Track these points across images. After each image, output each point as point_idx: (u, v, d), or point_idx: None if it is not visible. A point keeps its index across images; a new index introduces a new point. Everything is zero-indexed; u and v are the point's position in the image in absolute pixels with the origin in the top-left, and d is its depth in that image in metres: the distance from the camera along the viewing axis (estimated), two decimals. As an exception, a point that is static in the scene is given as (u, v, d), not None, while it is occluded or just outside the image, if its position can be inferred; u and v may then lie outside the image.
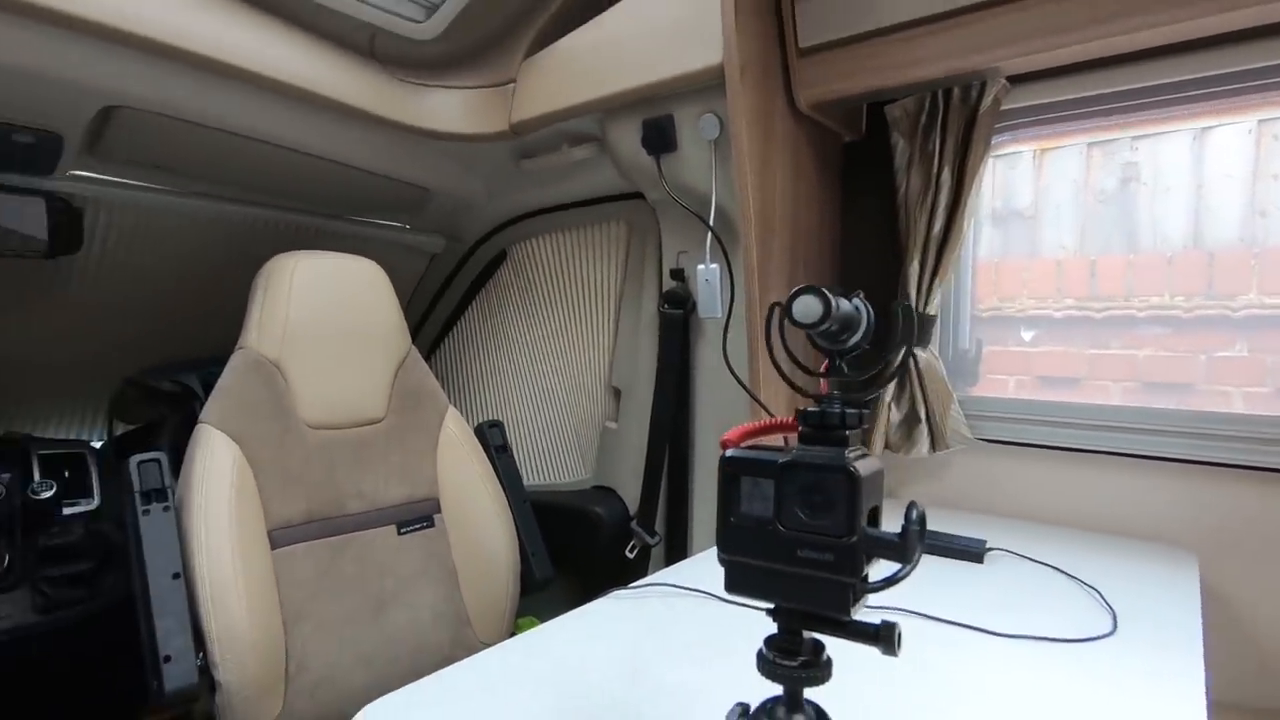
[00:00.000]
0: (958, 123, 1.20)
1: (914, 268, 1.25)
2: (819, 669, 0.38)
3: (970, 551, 1.05)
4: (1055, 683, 0.69)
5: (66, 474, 1.29)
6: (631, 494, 1.51)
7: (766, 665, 0.39)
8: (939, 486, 1.38)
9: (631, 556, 1.44)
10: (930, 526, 1.07)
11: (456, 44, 1.36)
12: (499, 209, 1.74)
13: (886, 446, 1.32)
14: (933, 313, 1.27)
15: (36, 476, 1.25)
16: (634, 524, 1.45)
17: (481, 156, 1.55)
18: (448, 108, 1.40)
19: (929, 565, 1.03)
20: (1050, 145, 1.35)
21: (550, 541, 1.35)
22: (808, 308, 0.34)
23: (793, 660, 0.38)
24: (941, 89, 1.20)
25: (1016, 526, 1.22)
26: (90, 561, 1.20)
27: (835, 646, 0.71)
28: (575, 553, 1.49)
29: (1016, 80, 1.21)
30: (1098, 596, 0.90)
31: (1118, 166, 1.28)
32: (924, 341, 1.28)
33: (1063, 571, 0.99)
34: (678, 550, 1.44)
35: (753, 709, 0.40)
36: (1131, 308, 1.27)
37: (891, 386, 1.30)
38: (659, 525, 1.46)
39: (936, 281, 1.25)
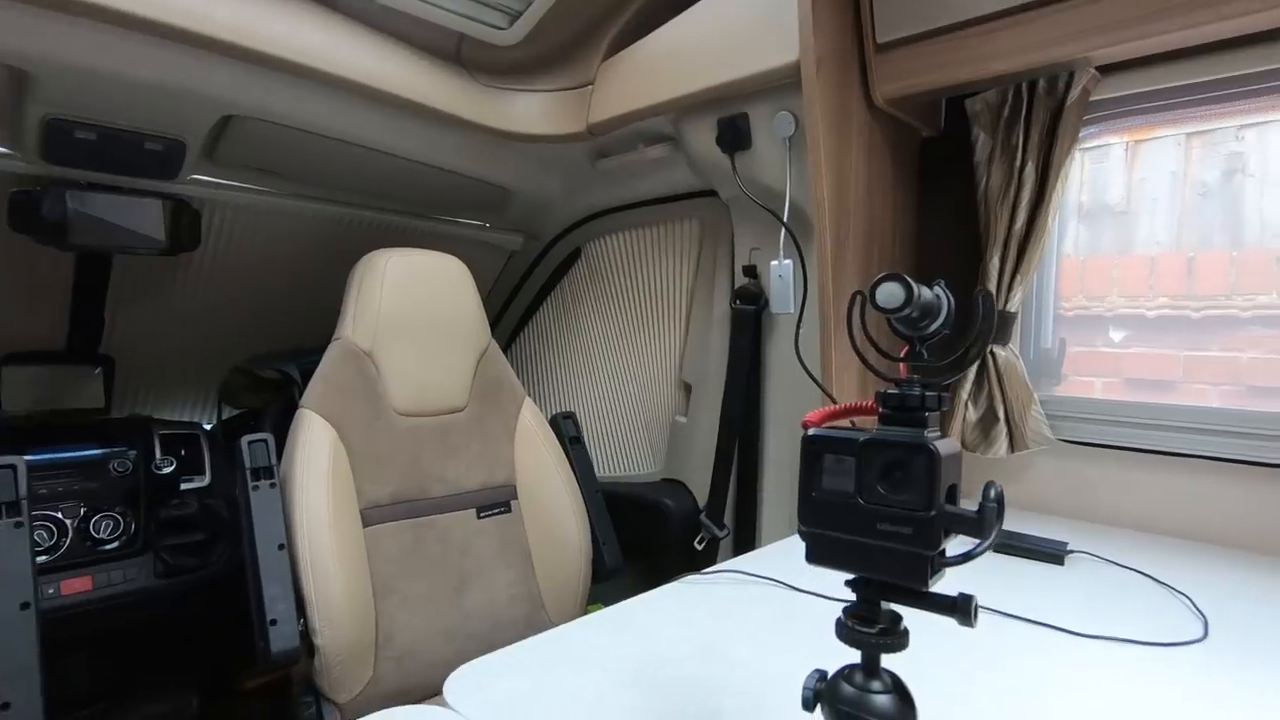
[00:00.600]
0: (1043, 115, 1.17)
1: (994, 264, 1.23)
2: (896, 636, 0.40)
3: (1049, 553, 1.02)
4: (1135, 685, 0.68)
5: (183, 452, 1.41)
6: (701, 487, 1.53)
7: (845, 632, 0.41)
8: (1019, 489, 1.34)
9: (700, 548, 1.47)
10: (1009, 528, 1.06)
11: (537, 49, 1.42)
12: (575, 207, 1.80)
13: (963, 446, 1.30)
14: (1013, 310, 1.24)
15: (158, 454, 1.37)
16: (703, 516, 1.48)
17: (560, 157, 1.60)
18: (528, 110, 1.46)
19: (1006, 566, 1.01)
20: (1144, 136, 1.30)
21: (620, 532, 1.38)
22: (891, 294, 0.36)
23: (871, 628, 0.39)
24: (1026, 81, 1.17)
25: (1102, 531, 1.18)
26: (204, 533, 1.31)
27: (914, 646, 0.72)
28: (645, 543, 1.52)
29: (1107, 70, 1.16)
30: (1187, 603, 0.86)
31: (1221, 157, 1.22)
32: (1004, 340, 1.25)
33: (1149, 576, 0.95)
34: (746, 543, 1.46)
35: (830, 675, 0.42)
36: (1234, 307, 1.21)
37: (968, 385, 1.27)
38: (727, 518, 1.48)
39: (1018, 279, 1.22)
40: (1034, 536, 1.06)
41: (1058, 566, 1.01)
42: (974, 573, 0.97)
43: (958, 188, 1.32)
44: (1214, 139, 1.22)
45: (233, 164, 1.34)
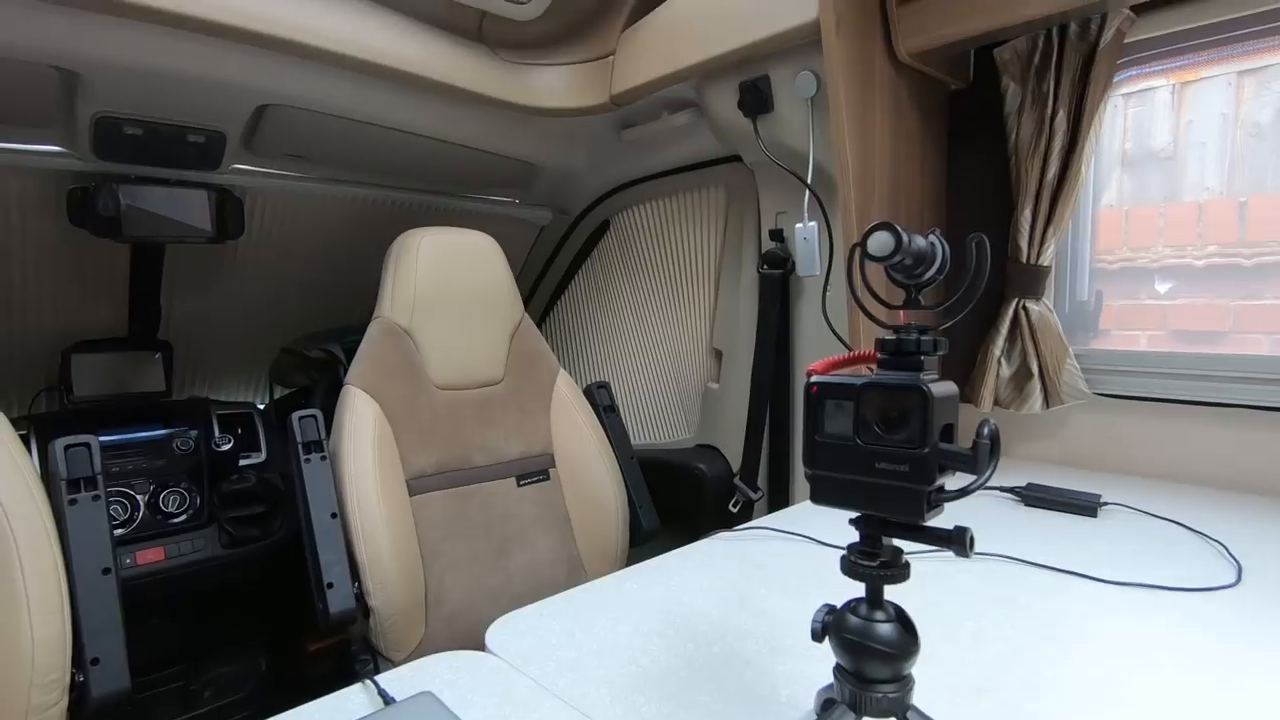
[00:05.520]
0: (1074, 61, 1.14)
1: (1025, 216, 1.21)
2: (897, 569, 0.42)
3: (1082, 505, 1.02)
4: (1162, 629, 0.68)
5: (239, 430, 1.49)
6: (734, 452, 1.55)
7: (850, 566, 0.43)
8: (1055, 444, 1.33)
9: (734, 511, 1.49)
10: (1045, 483, 1.06)
11: (558, 22, 1.43)
12: (601, 180, 1.81)
13: (996, 403, 1.29)
14: (1046, 263, 1.22)
15: (217, 432, 1.45)
16: (737, 480, 1.50)
17: (584, 129, 1.61)
18: (552, 84, 1.47)
19: (1037, 518, 1.01)
20: (1192, 77, 1.25)
21: (656, 497, 1.41)
22: (881, 242, 0.37)
23: (873, 561, 0.42)
24: (1056, 26, 1.14)
25: (1139, 484, 1.17)
26: (263, 505, 1.39)
27: (938, 593, 0.74)
28: (680, 507, 1.55)
29: (1143, 9, 1.12)
30: (1222, 550, 0.86)
31: (1275, 95, 1.17)
32: (1037, 294, 1.23)
33: (1184, 525, 0.94)
34: (779, 504, 1.48)
35: (838, 607, 0.44)
36: (1290, 252, 1.16)
37: (1001, 341, 1.26)
38: (761, 481, 1.50)
39: (1050, 231, 1.20)
40: (1066, 489, 1.06)
41: (1090, 519, 1.00)
42: (1004, 526, 0.98)
43: (988, 141, 1.30)
44: (1267, 76, 1.17)
45: (270, 152, 1.39)
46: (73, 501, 0.89)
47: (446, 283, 1.28)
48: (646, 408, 1.81)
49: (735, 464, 1.55)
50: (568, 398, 1.38)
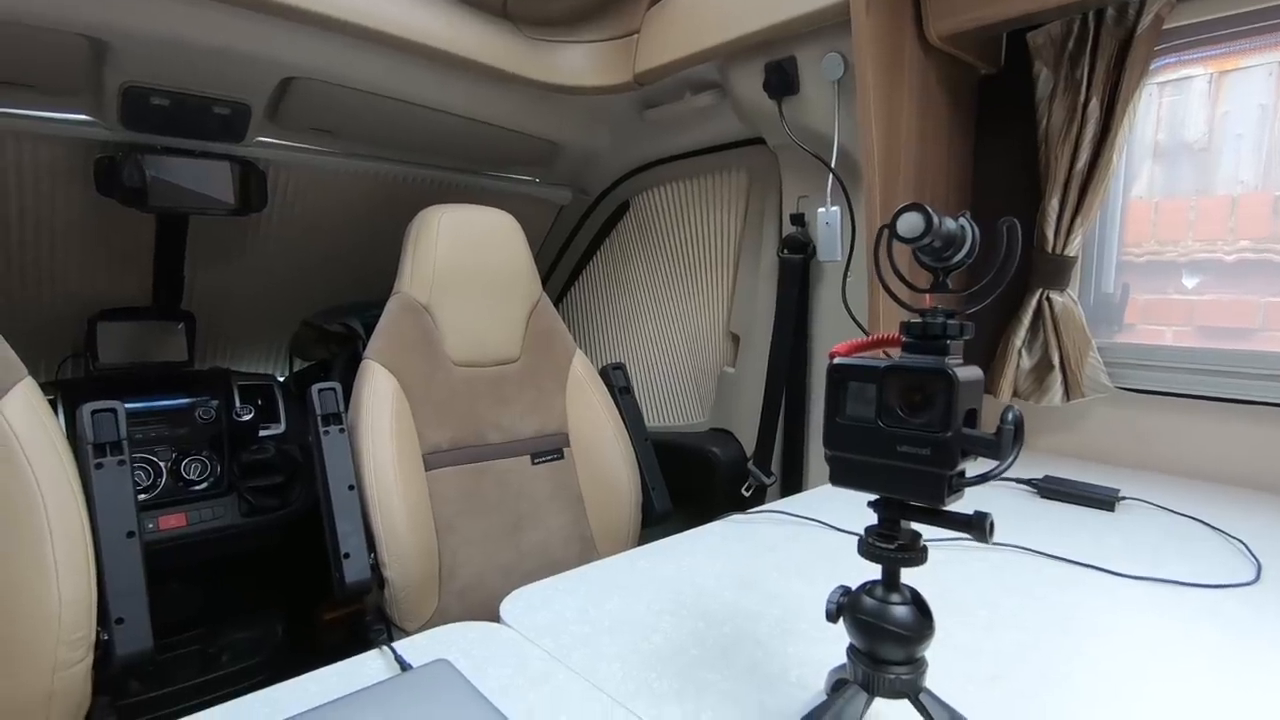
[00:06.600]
0: (1110, 47, 1.11)
1: (1053, 205, 1.19)
2: (915, 552, 0.42)
3: (1099, 499, 1.01)
4: (1181, 624, 0.68)
5: (259, 402, 1.51)
6: (748, 436, 1.55)
7: (867, 548, 0.43)
8: (1074, 437, 1.31)
9: (747, 495, 1.49)
10: (1063, 476, 1.04)
11: (583, -2, 1.41)
12: (623, 160, 1.80)
13: (1015, 394, 1.28)
14: (1072, 254, 1.20)
15: (237, 403, 1.47)
16: (750, 464, 1.50)
17: (606, 109, 1.60)
18: (575, 62, 1.46)
19: (1053, 511, 1.01)
20: (1230, 66, 1.21)
21: (670, 479, 1.42)
22: (911, 223, 0.37)
23: (891, 544, 0.42)
24: (1093, 10, 1.11)
25: (1158, 479, 1.15)
26: (282, 475, 1.41)
27: (952, 581, 0.74)
28: (693, 490, 1.56)
29: (1184, -6, 1.09)
30: (1241, 547, 0.85)
31: (1319, 88, 1.14)
32: (1061, 284, 1.22)
33: (1203, 522, 0.93)
34: (792, 489, 1.48)
35: (854, 589, 0.44)
36: (1327, 250, 1.14)
37: (1022, 332, 1.25)
38: (774, 466, 1.50)
39: (1078, 221, 1.18)
40: (1084, 483, 1.05)
41: (1108, 513, 0.99)
42: (1019, 518, 0.97)
43: (1018, 128, 1.28)
44: (1311, 68, 1.14)
45: (294, 125, 1.39)
46: (99, 465, 0.91)
47: (466, 260, 1.28)
48: (662, 390, 1.81)
49: (749, 448, 1.55)
50: (583, 378, 1.38)
